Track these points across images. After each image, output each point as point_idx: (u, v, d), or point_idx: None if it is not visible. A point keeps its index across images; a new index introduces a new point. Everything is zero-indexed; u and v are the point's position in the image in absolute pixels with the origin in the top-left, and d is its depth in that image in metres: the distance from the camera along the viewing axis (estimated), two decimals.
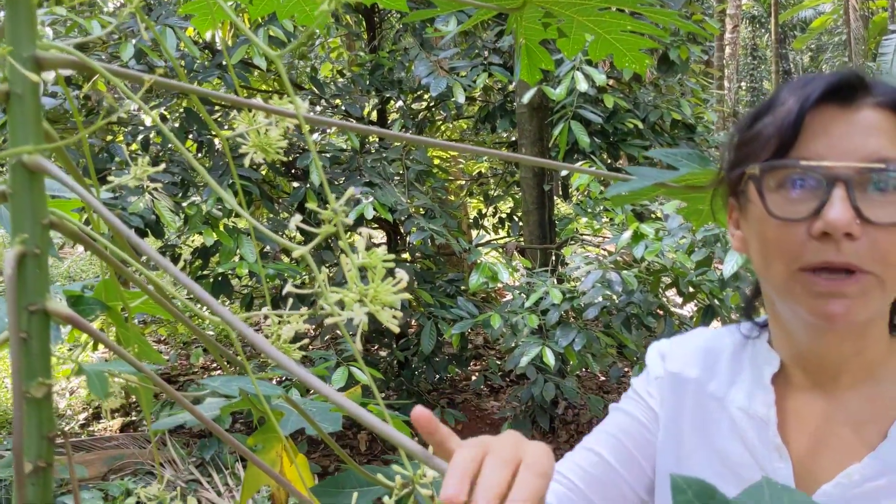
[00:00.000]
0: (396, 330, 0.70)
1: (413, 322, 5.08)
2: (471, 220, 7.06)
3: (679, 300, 4.00)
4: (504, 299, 5.09)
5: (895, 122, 0.81)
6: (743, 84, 27.17)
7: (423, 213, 4.75)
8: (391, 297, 0.72)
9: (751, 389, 0.92)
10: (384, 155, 4.90)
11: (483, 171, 7.67)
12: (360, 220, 4.16)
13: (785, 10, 22.27)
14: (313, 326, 4.96)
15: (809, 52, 28.99)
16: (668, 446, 0.95)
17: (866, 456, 0.84)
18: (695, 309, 4.01)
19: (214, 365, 6.30)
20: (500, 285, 4.25)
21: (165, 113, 4.70)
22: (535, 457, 0.56)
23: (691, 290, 3.70)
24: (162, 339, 7.01)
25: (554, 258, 5.15)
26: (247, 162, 0.81)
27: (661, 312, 3.95)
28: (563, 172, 3.97)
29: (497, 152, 1.15)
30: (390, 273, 0.70)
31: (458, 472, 0.53)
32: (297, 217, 0.69)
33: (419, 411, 0.58)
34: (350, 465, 1.32)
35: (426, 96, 5.61)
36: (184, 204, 4.21)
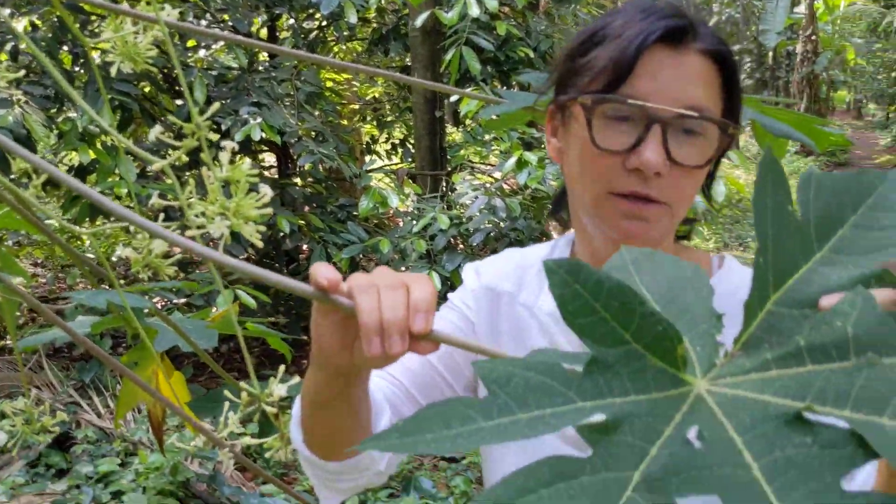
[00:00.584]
0: (259, 244, 0.72)
1: (304, 247, 5.06)
2: (363, 146, 7.00)
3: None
4: (395, 225, 5.13)
5: (715, 71, 0.91)
6: None
7: (313, 136, 4.68)
8: (254, 211, 0.74)
9: None
10: (273, 75, 4.77)
11: (377, 95, 7.59)
12: (248, 142, 4.08)
13: None
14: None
15: None
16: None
17: None
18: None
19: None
20: (390, 211, 4.28)
21: (37, 21, 4.41)
22: (414, 275, 0.69)
23: None
24: (39, 261, 6.73)
25: (444, 184, 5.20)
26: (113, 71, 0.79)
27: (543, 238, 4.07)
28: (453, 98, 3.99)
29: (388, 73, 1.16)
30: (254, 189, 0.71)
31: (366, 304, 0.64)
32: (158, 128, 0.69)
33: (319, 265, 0.66)
34: (227, 379, 1.34)
35: (318, 15, 5.47)
36: (59, 119, 4.01)
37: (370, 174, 4.79)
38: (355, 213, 4.91)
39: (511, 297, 1.05)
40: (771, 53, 21.46)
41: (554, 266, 0.51)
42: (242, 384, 0.98)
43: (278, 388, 0.98)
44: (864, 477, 0.80)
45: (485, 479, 1.05)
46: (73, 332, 0.95)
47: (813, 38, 19.35)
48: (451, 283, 3.99)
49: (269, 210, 0.73)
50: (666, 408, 0.51)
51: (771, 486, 0.45)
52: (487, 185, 4.09)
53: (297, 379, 0.96)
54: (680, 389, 0.51)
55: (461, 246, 4.23)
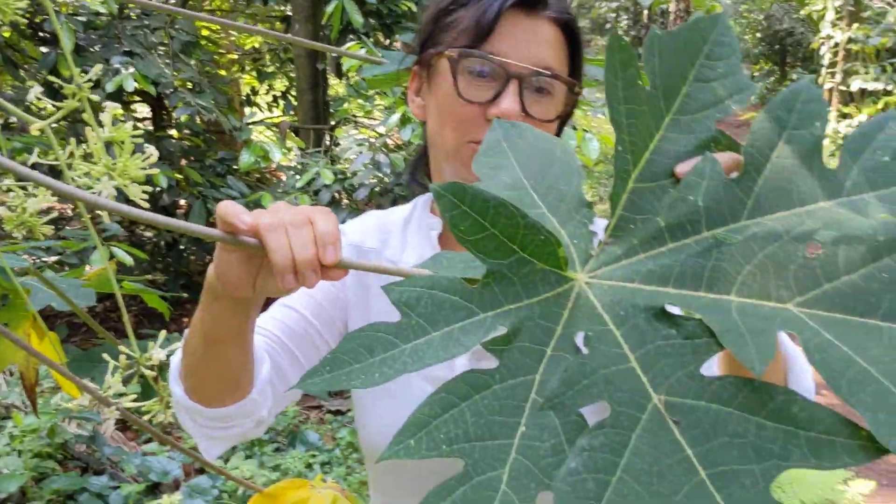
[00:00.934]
0: (145, 206, 0.73)
1: (182, 202, 4.93)
2: (243, 97, 6.82)
3: None
4: (277, 179, 5.06)
5: (562, 38, 1.01)
6: None
7: (190, 87, 4.54)
8: (139, 171, 0.75)
9: (421, 250, 1.06)
10: (146, 23, 4.57)
11: (256, 45, 7.38)
12: (120, 93, 3.91)
13: None
14: (70, 207, 4.67)
15: None
16: (359, 305, 1.08)
17: None
18: None
19: None
20: (273, 165, 4.22)
21: None
22: (315, 208, 0.72)
23: None
24: None
25: (328, 139, 5.16)
26: None
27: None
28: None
29: (265, 31, 1.16)
30: (139, 149, 0.71)
31: (277, 245, 0.67)
32: (38, 88, 0.69)
33: (225, 204, 0.70)
34: (107, 339, 1.33)
35: None
36: None
37: (251, 127, 4.70)
38: (236, 167, 4.81)
39: (377, 254, 1.10)
40: (646, 12, 22.08)
41: (441, 190, 0.54)
42: (122, 347, 0.98)
43: (157, 353, 0.99)
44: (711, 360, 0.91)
45: (359, 426, 1.09)
46: None
47: None
48: None
49: (156, 170, 0.73)
50: (554, 306, 0.57)
51: (647, 377, 0.52)
52: (371, 140, 4.09)
53: (177, 344, 0.97)
54: (564, 286, 0.58)
55: (345, 201, 4.23)
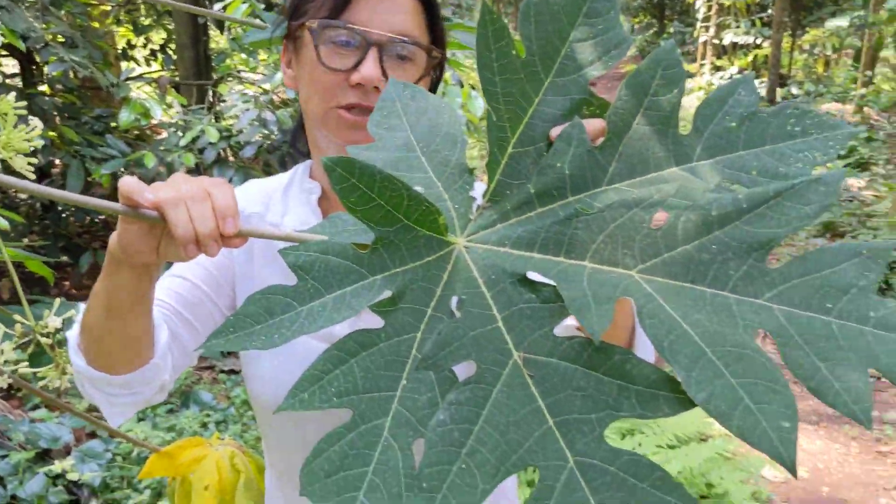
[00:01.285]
0: (32, 177, 0.74)
1: (57, 161, 4.72)
2: (119, 51, 6.53)
3: None
4: (159, 137, 4.91)
5: (419, 6, 1.06)
6: None
7: (62, 41, 4.32)
8: (23, 143, 0.76)
9: (302, 214, 1.12)
10: None
11: None
12: None
13: None
14: None
15: None
16: (245, 272, 1.12)
17: None
18: None
19: None
20: (153, 122, 4.10)
21: None
22: (213, 181, 0.76)
23: None
24: None
25: (211, 95, 5.03)
26: None
27: None
28: (218, 6, 3.84)
29: None
30: (23, 119, 0.72)
31: (178, 219, 0.71)
32: None
33: (126, 180, 0.73)
34: None
35: None
36: None
37: (129, 83, 4.53)
38: (114, 124, 4.64)
39: (259, 217, 1.14)
40: None
41: (331, 164, 0.59)
42: (17, 316, 0.98)
43: (53, 320, 1.00)
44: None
45: (247, 381, 1.14)
46: None
47: None
48: None
49: (40, 142, 0.75)
50: (435, 269, 0.63)
51: (510, 336, 0.59)
52: (257, 96, 4.02)
53: (71, 311, 0.99)
54: (444, 250, 0.63)
55: (232, 159, 4.16)
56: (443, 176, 0.68)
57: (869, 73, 12.77)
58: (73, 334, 0.97)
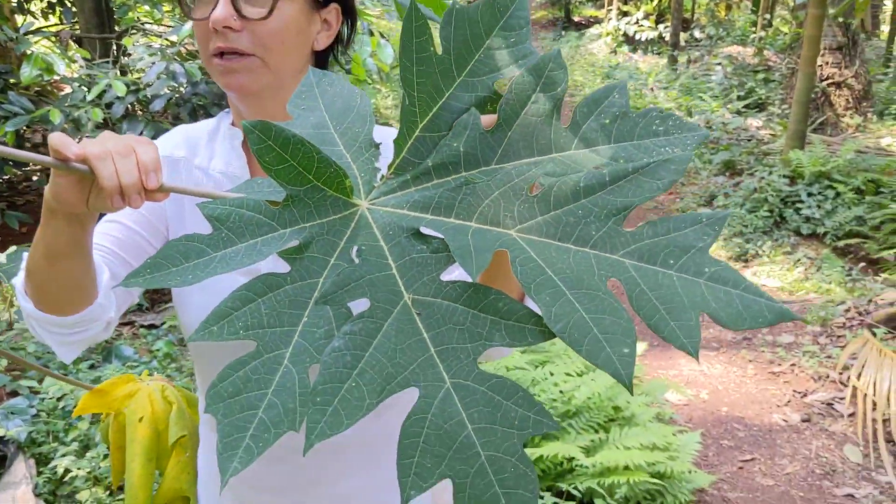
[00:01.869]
0: None
1: None
2: (13, 4, 6.27)
3: None
4: (62, 93, 4.79)
5: None
6: None
7: None
8: None
9: (227, 157, 1.19)
10: None
11: None
12: None
13: None
14: None
15: None
16: (175, 212, 1.19)
17: None
18: None
19: None
20: (56, 78, 4.01)
21: None
22: (138, 138, 0.82)
23: None
24: None
25: (115, 49, 4.92)
26: None
27: (225, 101, 4.08)
28: None
29: None
30: None
31: (105, 172, 0.77)
32: None
33: (56, 135, 0.79)
34: None
35: None
36: None
37: (28, 38, 4.39)
38: (14, 80, 4.51)
39: (187, 162, 1.21)
40: None
41: (250, 126, 0.67)
42: None
43: None
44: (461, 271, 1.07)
45: (178, 315, 1.22)
46: None
47: None
48: None
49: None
50: (340, 226, 0.72)
51: (402, 280, 0.69)
52: (164, 48, 3.97)
53: (12, 248, 1.05)
54: (349, 210, 0.72)
55: (140, 112, 4.11)
56: (352, 149, 0.76)
57: (767, 16, 13.23)
58: (18, 280, 1.03)
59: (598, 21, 18.52)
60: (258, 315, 0.67)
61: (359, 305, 0.67)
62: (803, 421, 4.10)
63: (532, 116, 0.73)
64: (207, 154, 1.21)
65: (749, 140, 8.70)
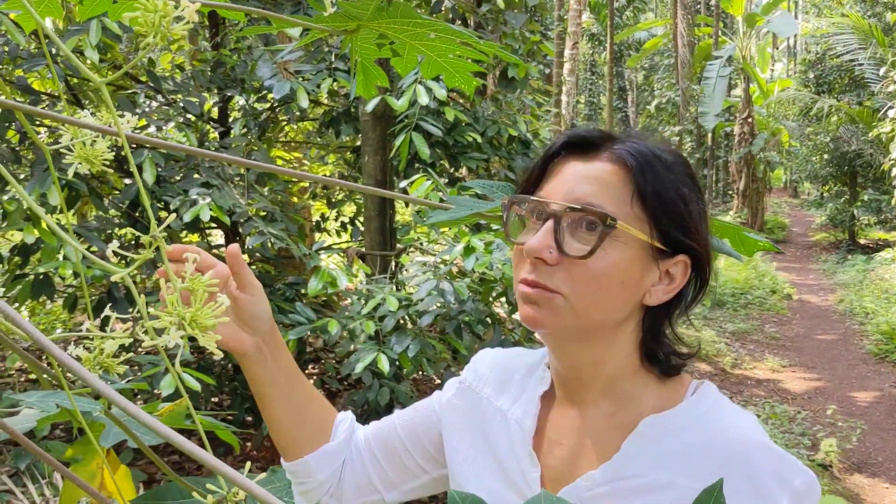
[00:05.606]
0: (218, 354, 0.74)
1: None
2: (313, 224, 7.03)
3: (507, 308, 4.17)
4: (343, 304, 5.12)
5: (620, 175, 0.95)
6: (582, 98, 28.47)
7: (263, 215, 4.70)
8: (211, 321, 0.76)
9: (526, 405, 1.08)
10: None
11: (327, 174, 7.65)
12: (196, 222, 4.07)
13: (621, 30, 23.54)
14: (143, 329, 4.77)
15: (643, 71, 30.76)
16: (459, 446, 1.14)
17: (602, 465, 0.98)
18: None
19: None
20: (340, 290, 4.28)
21: None
22: None
23: None
24: None
25: (393, 265, 5.24)
26: (70, 173, 0.82)
27: (490, 321, 4.11)
28: (404, 184, 4.06)
29: (336, 181, 1.20)
30: (212, 297, 0.73)
31: None
32: (115, 243, 0.71)
33: (232, 248, 0.94)
34: (171, 476, 1.33)
35: (269, 96, 5.55)
36: (4, 198, 3.96)
37: (320, 253, 4.80)
38: (304, 291, 4.90)
39: (488, 400, 1.15)
40: (710, 134, 22.27)
41: (458, 498, 0.57)
42: (210, 485, 0.97)
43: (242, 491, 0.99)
44: None
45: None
46: (14, 431, 0.94)
47: (749, 120, 20.16)
48: (398, 364, 3.99)
49: (226, 319, 0.75)
50: None
51: None
52: (436, 263, 4.13)
53: (262, 475, 0.98)
54: None
55: (410, 326, 4.24)
56: None
57: None
58: None
59: (888, 244, 17.21)
60: None
61: None
62: None
63: None
64: (514, 395, 1.12)
65: None
